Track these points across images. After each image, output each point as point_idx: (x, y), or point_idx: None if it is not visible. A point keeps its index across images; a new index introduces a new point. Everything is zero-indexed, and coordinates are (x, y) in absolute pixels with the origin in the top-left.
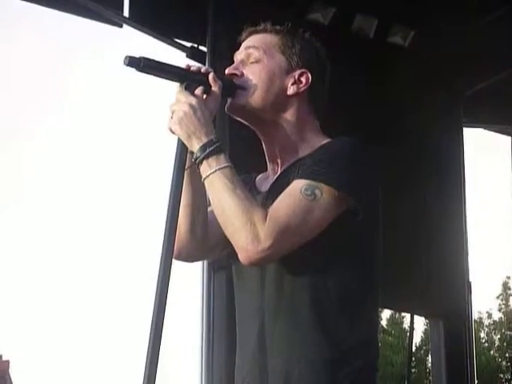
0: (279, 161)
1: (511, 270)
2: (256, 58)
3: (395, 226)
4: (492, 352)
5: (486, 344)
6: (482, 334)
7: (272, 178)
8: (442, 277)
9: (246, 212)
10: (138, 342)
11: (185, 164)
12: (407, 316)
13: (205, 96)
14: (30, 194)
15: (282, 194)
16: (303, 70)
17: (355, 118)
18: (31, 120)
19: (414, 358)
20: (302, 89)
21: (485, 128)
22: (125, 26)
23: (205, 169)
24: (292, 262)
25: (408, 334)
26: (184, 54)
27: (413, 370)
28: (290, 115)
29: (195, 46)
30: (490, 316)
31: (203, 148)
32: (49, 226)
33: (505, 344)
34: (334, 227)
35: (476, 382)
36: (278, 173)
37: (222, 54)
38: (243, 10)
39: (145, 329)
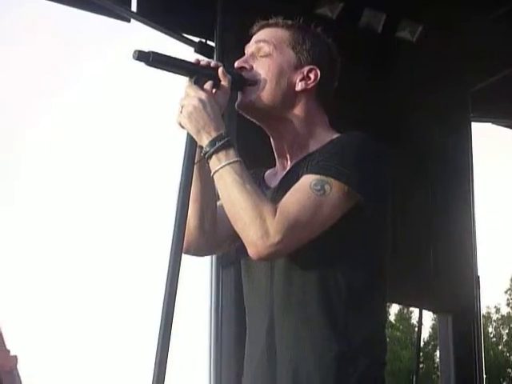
0: (288, 156)
1: None
2: (266, 52)
3: (404, 221)
4: (500, 347)
5: (494, 339)
6: (490, 329)
7: (281, 174)
8: (450, 271)
9: (256, 207)
10: (147, 337)
11: (194, 159)
12: (415, 311)
13: (214, 90)
14: (42, 190)
15: (292, 189)
16: (312, 67)
17: (362, 114)
18: (35, 116)
19: (421, 353)
20: (311, 85)
21: (493, 123)
22: (133, 20)
23: (214, 163)
24: (301, 257)
25: (416, 329)
26: (192, 49)
27: (421, 365)
28: (298, 111)
29: (203, 40)
30: (498, 311)
31: (212, 142)
32: (59, 222)
33: None
34: (343, 222)
35: (484, 376)
36: (287, 168)
37: (230, 49)
38: (251, 5)
39: (154, 323)
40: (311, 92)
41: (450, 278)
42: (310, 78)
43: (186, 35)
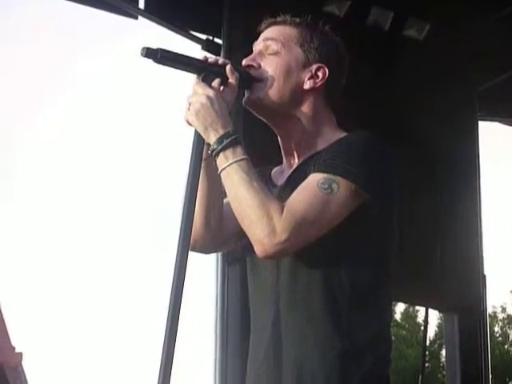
0: (295, 154)
1: None
2: (274, 50)
3: (411, 220)
4: (506, 346)
5: (500, 338)
6: (496, 328)
7: (288, 172)
8: (456, 271)
9: (263, 205)
10: (154, 334)
11: (201, 156)
12: (421, 310)
13: (222, 88)
14: (48, 186)
15: (299, 188)
16: (320, 65)
17: (368, 112)
18: (40, 114)
19: (427, 352)
20: (319, 83)
21: (501, 122)
22: (140, 17)
23: (221, 161)
24: (307, 255)
25: (422, 327)
26: (199, 46)
27: (426, 364)
28: (306, 109)
29: (210, 38)
30: (504, 310)
31: (220, 140)
32: (64, 219)
33: None
34: (349, 221)
35: (490, 376)
36: (294, 166)
37: (237, 47)
38: (259, 2)
39: (160, 319)
40: (319, 90)
41: (456, 277)
42: (318, 77)
43: (193, 32)
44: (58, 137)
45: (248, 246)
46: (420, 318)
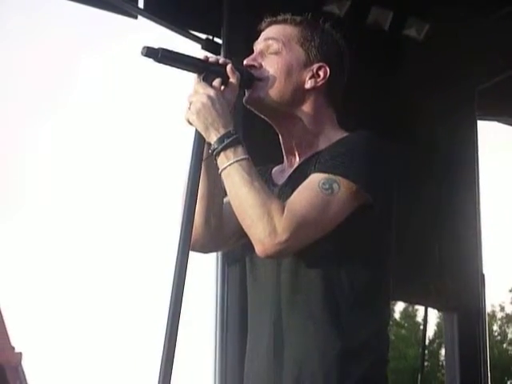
0: (296, 153)
1: None
2: (275, 49)
3: (409, 218)
4: (505, 345)
5: (499, 337)
6: (495, 327)
7: (288, 171)
8: (455, 270)
9: (264, 205)
10: (153, 333)
11: (202, 156)
12: (420, 309)
13: (222, 87)
14: (47, 187)
15: (300, 188)
16: (321, 64)
17: (367, 111)
18: (40, 115)
19: (426, 351)
20: (320, 83)
21: (499, 121)
22: (140, 17)
23: (222, 161)
24: (307, 255)
25: (421, 327)
26: (199, 46)
27: (425, 364)
28: (307, 108)
29: (210, 37)
30: (502, 309)
31: (221, 140)
32: (63, 219)
33: None
34: (350, 222)
35: (489, 375)
36: (295, 166)
37: (237, 46)
38: (259, 2)
39: (160, 319)
40: (320, 89)
41: (455, 276)
42: (319, 76)
43: (192, 32)
44: (58, 137)
45: (248, 246)
46: (419, 318)
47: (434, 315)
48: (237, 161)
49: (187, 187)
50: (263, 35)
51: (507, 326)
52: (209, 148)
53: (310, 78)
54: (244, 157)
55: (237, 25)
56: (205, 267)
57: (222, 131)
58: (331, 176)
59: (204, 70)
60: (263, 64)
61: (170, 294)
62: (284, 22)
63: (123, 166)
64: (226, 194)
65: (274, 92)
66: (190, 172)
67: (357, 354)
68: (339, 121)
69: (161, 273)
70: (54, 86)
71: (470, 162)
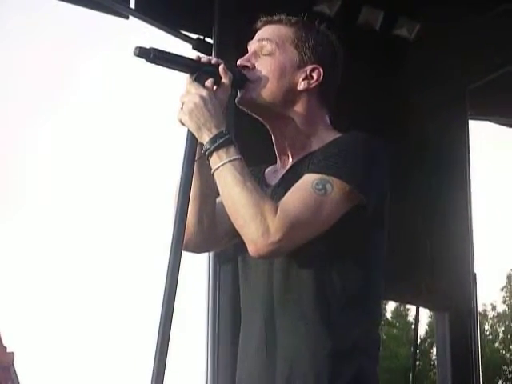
0: (289, 154)
1: None
2: (268, 50)
3: (400, 218)
4: (496, 344)
5: (490, 336)
6: (487, 327)
7: (281, 172)
8: (447, 269)
9: (257, 205)
10: (146, 333)
11: (194, 156)
12: (412, 309)
13: (215, 87)
14: (41, 187)
15: (293, 188)
16: (315, 66)
17: (358, 111)
18: (36, 117)
19: (418, 351)
20: (313, 84)
21: (491, 121)
22: (131, 17)
23: (215, 161)
24: (299, 255)
25: (413, 326)
26: (190, 46)
27: (417, 363)
28: (300, 109)
29: (201, 37)
30: (494, 308)
31: (213, 140)
32: (55, 219)
33: (509, 336)
34: (342, 222)
35: (481, 374)
36: (288, 166)
37: (228, 46)
38: (249, 2)
39: (152, 319)
40: (313, 91)
41: (446, 275)
42: (312, 78)
43: (183, 32)
44: (57, 137)
45: (240, 246)
46: (411, 317)
47: (425, 314)
48: (229, 161)
49: (180, 187)
50: (257, 35)
51: (499, 326)
52: (201, 148)
53: (303, 80)
54: (236, 157)
55: (228, 25)
56: (197, 266)
57: (215, 131)
58: (324, 176)
59: (196, 70)
60: (256, 65)
61: (162, 294)
62: (279, 22)
63: (114, 167)
64: (218, 194)
65: (267, 93)
66: (182, 172)
67: (348, 353)
68: (331, 120)
69: (153, 272)
70: (52, 86)
71: (462, 161)
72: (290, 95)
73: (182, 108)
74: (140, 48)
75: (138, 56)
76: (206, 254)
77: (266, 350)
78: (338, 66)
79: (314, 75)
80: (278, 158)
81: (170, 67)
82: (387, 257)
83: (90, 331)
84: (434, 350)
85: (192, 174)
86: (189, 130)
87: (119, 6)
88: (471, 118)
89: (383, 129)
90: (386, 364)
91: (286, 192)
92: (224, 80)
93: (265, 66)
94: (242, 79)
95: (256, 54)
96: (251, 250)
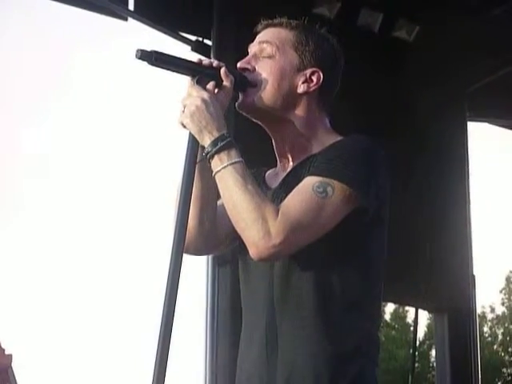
0: (289, 157)
1: None
2: (269, 53)
3: (399, 220)
4: (495, 346)
5: (490, 338)
6: (486, 329)
7: (282, 175)
8: (446, 271)
9: (258, 208)
10: (146, 335)
11: (196, 158)
12: (411, 310)
13: (216, 90)
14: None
15: (294, 191)
16: (315, 69)
17: (358, 113)
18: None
19: (417, 353)
20: (313, 88)
21: (490, 123)
22: (130, 19)
23: (216, 164)
24: (299, 258)
25: (411, 328)
26: (189, 48)
27: (416, 365)
28: (300, 113)
29: (200, 39)
30: (493, 310)
31: (215, 143)
32: (54, 221)
33: (508, 338)
34: (343, 225)
35: (480, 376)
36: (289, 169)
37: (227, 48)
38: (248, 4)
39: (153, 321)
40: (313, 94)
41: (445, 277)
42: (312, 81)
43: (182, 34)
44: (55, 138)
45: (240, 248)
46: (410, 319)
47: (424, 316)
48: (230, 164)
49: (181, 190)
50: (258, 38)
51: (497, 327)
52: (202, 151)
53: (303, 83)
54: (238, 160)
55: (226, 26)
56: (195, 268)
57: (216, 134)
58: (325, 179)
59: (198, 73)
60: (256, 67)
61: (163, 297)
62: (279, 25)
63: (115, 170)
64: (219, 197)
65: (267, 96)
66: (183, 175)
67: (348, 356)
68: (331, 123)
69: (154, 275)
70: (51, 87)
71: (461, 163)
72: (290, 98)
73: (183, 111)
74: (142, 51)
75: (139, 59)
76: (204, 256)
77: (266, 352)
78: (338, 70)
79: (314, 78)
80: (278, 161)
81: (171, 70)
82: (386, 259)
83: (90, 334)
84: (433, 352)
85: (193, 176)
86: (190, 133)
87: (118, 8)
88: (470, 120)
89: (383, 130)
90: (385, 366)
91: (286, 195)
92: (225, 83)
93: (265, 69)
94: (243, 82)
95: (256, 57)
96: (252, 252)
